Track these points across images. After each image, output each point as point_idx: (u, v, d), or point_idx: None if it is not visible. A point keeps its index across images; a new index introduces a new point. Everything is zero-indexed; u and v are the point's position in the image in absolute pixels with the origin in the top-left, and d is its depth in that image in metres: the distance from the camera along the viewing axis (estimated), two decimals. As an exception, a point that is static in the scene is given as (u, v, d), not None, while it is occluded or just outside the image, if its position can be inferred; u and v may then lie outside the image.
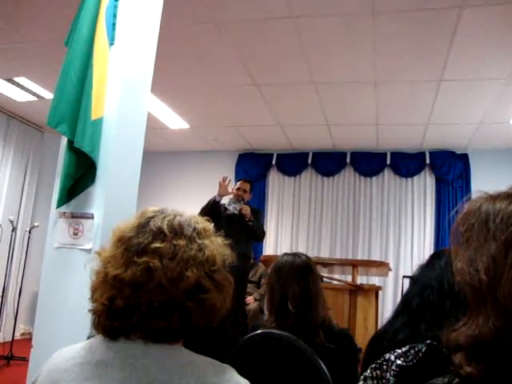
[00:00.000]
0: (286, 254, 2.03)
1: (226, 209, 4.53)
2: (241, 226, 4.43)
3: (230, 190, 4.63)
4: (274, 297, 1.91)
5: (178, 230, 0.95)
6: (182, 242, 0.93)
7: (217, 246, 0.99)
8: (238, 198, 4.60)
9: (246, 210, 4.48)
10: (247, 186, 4.79)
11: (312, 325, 1.82)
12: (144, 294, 0.89)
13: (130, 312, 0.89)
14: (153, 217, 0.98)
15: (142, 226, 0.96)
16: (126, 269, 0.91)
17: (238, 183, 4.83)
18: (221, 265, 0.97)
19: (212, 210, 4.31)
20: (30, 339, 2.26)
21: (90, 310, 0.95)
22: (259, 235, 4.73)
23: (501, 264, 0.60)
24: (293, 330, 1.70)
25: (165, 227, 0.95)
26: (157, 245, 0.92)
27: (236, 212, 4.46)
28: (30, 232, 5.31)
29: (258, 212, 4.98)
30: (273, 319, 1.89)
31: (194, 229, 0.97)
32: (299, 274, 1.91)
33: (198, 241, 0.95)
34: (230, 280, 0.99)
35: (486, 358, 0.60)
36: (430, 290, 1.21)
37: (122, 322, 0.90)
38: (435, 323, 1.11)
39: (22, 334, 6.01)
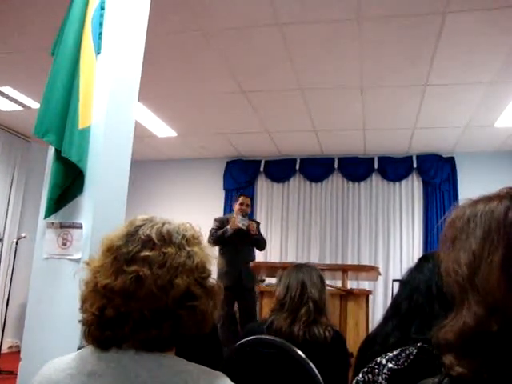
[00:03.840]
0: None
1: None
2: (246, 238, 4.95)
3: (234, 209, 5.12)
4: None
5: (166, 238, 0.95)
6: (171, 250, 0.93)
7: (206, 253, 0.99)
8: (243, 213, 5.01)
9: (253, 226, 4.98)
10: (248, 201, 5.24)
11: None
12: (134, 302, 0.88)
13: (121, 321, 0.89)
14: (141, 225, 0.97)
15: (131, 235, 0.95)
16: (115, 278, 0.90)
17: (240, 199, 5.18)
18: (210, 271, 0.97)
19: (222, 240, 4.85)
20: (18, 352, 2.23)
21: (80, 321, 0.94)
22: (263, 246, 5.33)
23: (479, 256, 0.64)
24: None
25: (153, 235, 0.94)
26: (146, 253, 0.92)
27: (244, 228, 4.89)
28: (17, 243, 5.25)
29: (258, 223, 5.41)
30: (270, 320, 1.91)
31: (183, 236, 0.97)
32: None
33: (188, 248, 0.95)
34: (220, 286, 0.99)
35: (474, 354, 0.61)
36: (418, 293, 1.22)
37: (112, 332, 0.89)
38: (425, 326, 1.12)
39: (10, 347, 5.90)
